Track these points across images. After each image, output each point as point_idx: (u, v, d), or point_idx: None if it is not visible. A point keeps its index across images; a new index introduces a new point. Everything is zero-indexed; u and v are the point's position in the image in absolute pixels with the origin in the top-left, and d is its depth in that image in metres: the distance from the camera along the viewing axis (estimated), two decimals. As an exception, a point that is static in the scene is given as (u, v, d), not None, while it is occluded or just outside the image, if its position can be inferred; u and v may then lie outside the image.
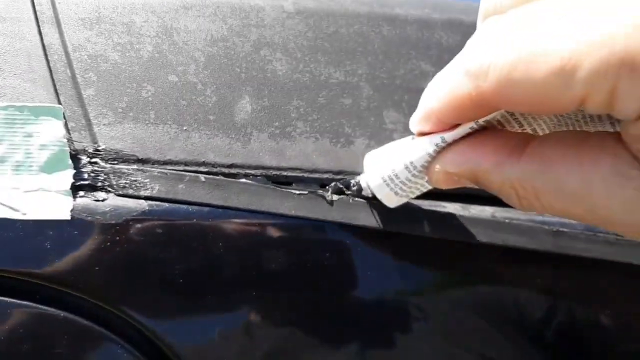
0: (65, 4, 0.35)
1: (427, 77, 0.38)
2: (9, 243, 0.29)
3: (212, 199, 0.32)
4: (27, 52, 0.33)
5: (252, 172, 0.33)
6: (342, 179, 0.35)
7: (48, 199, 0.30)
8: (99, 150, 0.32)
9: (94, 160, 0.32)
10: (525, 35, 0.18)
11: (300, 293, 0.33)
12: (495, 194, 0.24)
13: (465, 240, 0.34)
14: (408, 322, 0.35)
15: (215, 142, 0.33)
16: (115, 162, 0.32)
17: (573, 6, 0.17)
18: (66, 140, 0.31)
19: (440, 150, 0.25)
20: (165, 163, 0.32)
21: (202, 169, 0.32)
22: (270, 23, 0.38)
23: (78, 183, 0.31)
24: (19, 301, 0.30)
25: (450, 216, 0.35)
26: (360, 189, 0.34)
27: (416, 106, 0.37)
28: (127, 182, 0.31)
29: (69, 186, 0.31)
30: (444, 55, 0.39)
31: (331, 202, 0.33)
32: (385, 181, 0.30)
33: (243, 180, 0.33)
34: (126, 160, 0.32)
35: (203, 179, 0.32)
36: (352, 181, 0.34)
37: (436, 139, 0.25)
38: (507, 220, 0.36)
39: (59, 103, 0.32)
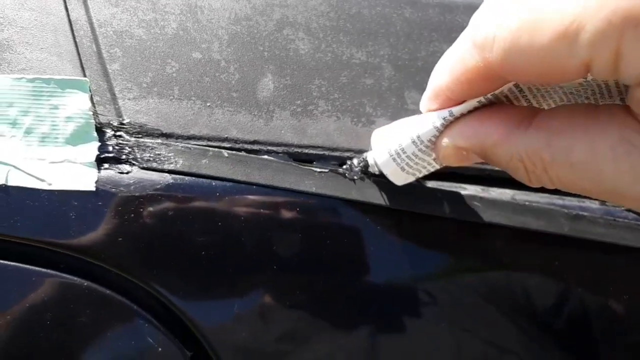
0: (92, -19, 0.36)
1: (449, 59, 0.38)
2: (35, 213, 0.30)
3: (234, 174, 0.32)
4: (53, 26, 0.34)
5: (274, 148, 0.33)
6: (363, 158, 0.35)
7: (73, 170, 0.31)
8: (123, 124, 0.32)
9: (118, 133, 0.32)
10: (528, 3, 0.18)
11: (320, 271, 0.33)
12: (503, 169, 0.24)
13: (485, 222, 0.34)
14: (427, 301, 0.35)
15: (238, 119, 0.33)
16: (140, 135, 0.32)
17: None
18: (92, 113, 0.32)
19: (448, 124, 0.25)
20: (189, 138, 0.33)
21: (225, 144, 0.33)
22: (293, 3, 0.38)
23: (103, 155, 0.31)
24: (44, 269, 0.30)
25: (470, 197, 0.35)
26: (367, 165, 0.34)
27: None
28: (151, 155, 0.32)
29: (94, 158, 0.31)
30: (465, 38, 0.39)
31: (352, 180, 0.34)
32: (392, 156, 0.29)
33: (265, 156, 0.33)
34: (150, 134, 0.32)
35: (226, 155, 0.32)
36: (359, 158, 0.34)
37: (444, 112, 0.25)
38: (527, 203, 0.36)
39: (85, 77, 0.33)
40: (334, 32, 0.37)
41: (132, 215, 0.31)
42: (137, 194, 0.31)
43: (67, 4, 0.35)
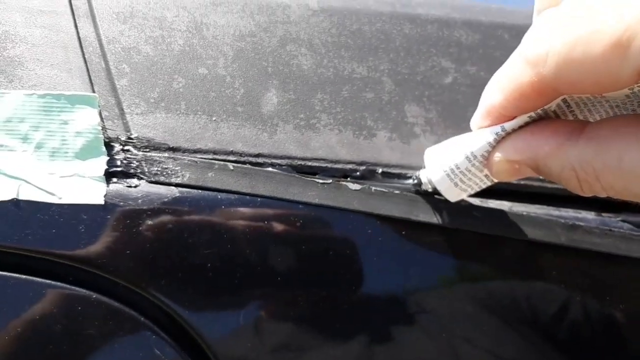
0: (100, -1, 0.37)
1: (447, 73, 0.39)
2: (45, 226, 0.30)
3: (239, 187, 0.33)
4: (63, 44, 0.34)
5: (278, 161, 0.34)
6: (364, 169, 0.36)
7: (82, 185, 0.32)
8: (131, 138, 0.33)
9: (126, 147, 0.33)
10: (579, 18, 0.19)
11: (324, 282, 0.34)
12: (556, 182, 0.24)
13: (482, 232, 0.35)
14: (425, 312, 0.36)
15: (243, 133, 0.34)
16: (147, 150, 0.33)
17: None
18: (100, 128, 0.32)
19: (500, 140, 0.26)
20: (196, 152, 0.33)
21: (230, 157, 0.34)
22: (296, 20, 0.39)
23: (111, 169, 0.32)
24: (53, 282, 0.31)
25: (468, 208, 0.36)
26: (420, 183, 0.35)
27: (436, 101, 0.38)
28: (159, 169, 0.32)
29: (102, 172, 0.32)
30: (463, 53, 0.40)
31: (354, 192, 0.34)
32: (446, 172, 0.30)
33: (269, 169, 0.34)
34: (158, 148, 0.33)
35: (231, 167, 0.33)
36: (413, 175, 0.35)
37: (496, 128, 0.26)
38: (524, 214, 0.37)
39: (94, 93, 0.34)
40: (336, 47, 0.38)
41: (140, 228, 0.31)
42: (145, 207, 0.32)
43: (77, 21, 0.36)
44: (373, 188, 0.35)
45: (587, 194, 0.24)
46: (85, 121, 0.32)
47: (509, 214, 0.36)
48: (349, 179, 0.35)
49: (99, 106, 0.33)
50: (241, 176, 0.33)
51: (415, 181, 0.35)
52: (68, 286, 0.31)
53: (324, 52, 0.38)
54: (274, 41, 0.38)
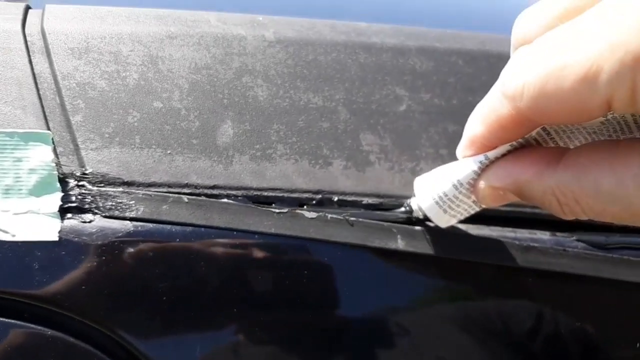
0: (55, 35, 0.37)
1: (402, 101, 0.40)
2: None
3: (194, 219, 0.33)
4: (17, 80, 0.35)
5: (234, 192, 0.35)
6: (321, 197, 0.36)
7: (37, 221, 0.32)
8: (86, 174, 0.33)
9: (81, 183, 0.33)
10: (550, 53, 0.20)
11: (283, 310, 0.34)
12: (539, 206, 0.26)
13: (438, 255, 0.36)
14: (388, 338, 0.36)
15: (198, 165, 0.35)
16: (102, 184, 0.33)
17: (588, 22, 0.20)
18: (54, 165, 0.33)
19: (485, 168, 0.28)
20: (150, 185, 0.34)
21: (185, 190, 0.34)
22: (251, 51, 0.39)
23: (66, 205, 0.32)
24: (7, 320, 0.31)
25: (423, 232, 0.36)
26: (411, 211, 0.36)
27: (391, 129, 0.39)
28: (113, 204, 0.33)
29: (57, 208, 0.32)
30: (417, 80, 0.41)
31: (310, 220, 0.35)
32: (435, 200, 0.32)
33: (225, 200, 0.34)
34: (112, 183, 0.33)
35: (186, 200, 0.33)
36: (404, 203, 0.37)
37: (480, 157, 0.28)
38: (478, 236, 0.37)
39: (48, 129, 0.34)
40: (292, 78, 0.39)
41: (95, 263, 0.32)
42: (99, 242, 0.32)
43: (32, 57, 0.36)
44: (329, 216, 0.35)
45: (569, 217, 0.25)
46: (39, 158, 0.33)
47: (463, 237, 0.37)
48: (305, 207, 0.36)
49: (53, 143, 0.33)
50: (196, 208, 0.33)
51: (407, 208, 0.36)
52: (24, 323, 0.31)
53: (280, 82, 0.39)
54: (230, 73, 0.38)
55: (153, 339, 0.32)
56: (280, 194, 0.36)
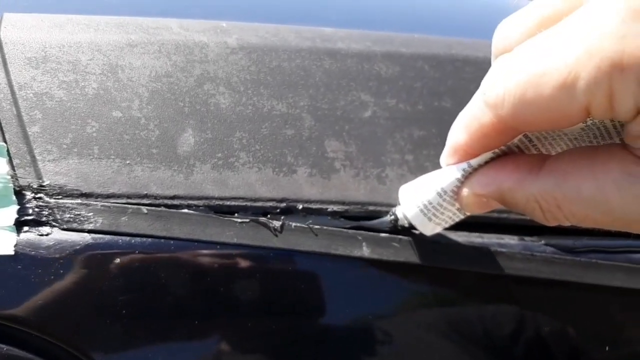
0: (12, 44, 0.36)
1: (367, 107, 0.40)
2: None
3: (154, 230, 0.33)
4: (-27, 91, 0.34)
5: (195, 202, 0.34)
6: (285, 206, 0.36)
7: (-8, 235, 0.31)
8: (43, 186, 0.33)
9: (38, 195, 0.32)
10: (530, 61, 0.21)
11: (248, 322, 0.34)
12: (523, 213, 0.26)
13: (408, 262, 0.36)
14: (354, 346, 0.36)
15: (157, 175, 0.34)
16: (60, 196, 0.33)
17: (567, 29, 0.20)
18: (10, 177, 0.32)
19: (468, 176, 0.28)
20: (109, 196, 0.33)
21: (144, 201, 0.33)
22: (214, 58, 0.39)
23: (22, 218, 0.32)
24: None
25: (390, 239, 0.36)
26: (396, 219, 0.36)
27: (356, 135, 0.39)
28: (71, 216, 0.32)
29: (12, 222, 0.31)
30: (383, 86, 0.41)
31: (274, 229, 0.35)
32: (419, 208, 0.32)
33: (185, 210, 0.34)
34: (70, 194, 0.33)
35: (145, 211, 0.33)
36: (390, 211, 0.36)
37: (463, 165, 0.28)
38: (445, 242, 0.37)
39: (4, 141, 0.33)
40: (255, 85, 0.39)
41: (53, 277, 0.31)
42: (57, 256, 0.31)
43: (-12, 68, 0.35)
44: (293, 224, 0.35)
45: (552, 223, 0.25)
46: (-6, 170, 0.32)
47: (428, 243, 0.37)
48: (269, 216, 0.36)
49: (8, 155, 0.33)
50: (155, 219, 0.33)
51: (392, 217, 0.36)
52: (-22, 339, 0.31)
53: (243, 90, 0.38)
54: (191, 81, 0.38)
55: (113, 353, 0.32)
56: (243, 203, 0.35)
